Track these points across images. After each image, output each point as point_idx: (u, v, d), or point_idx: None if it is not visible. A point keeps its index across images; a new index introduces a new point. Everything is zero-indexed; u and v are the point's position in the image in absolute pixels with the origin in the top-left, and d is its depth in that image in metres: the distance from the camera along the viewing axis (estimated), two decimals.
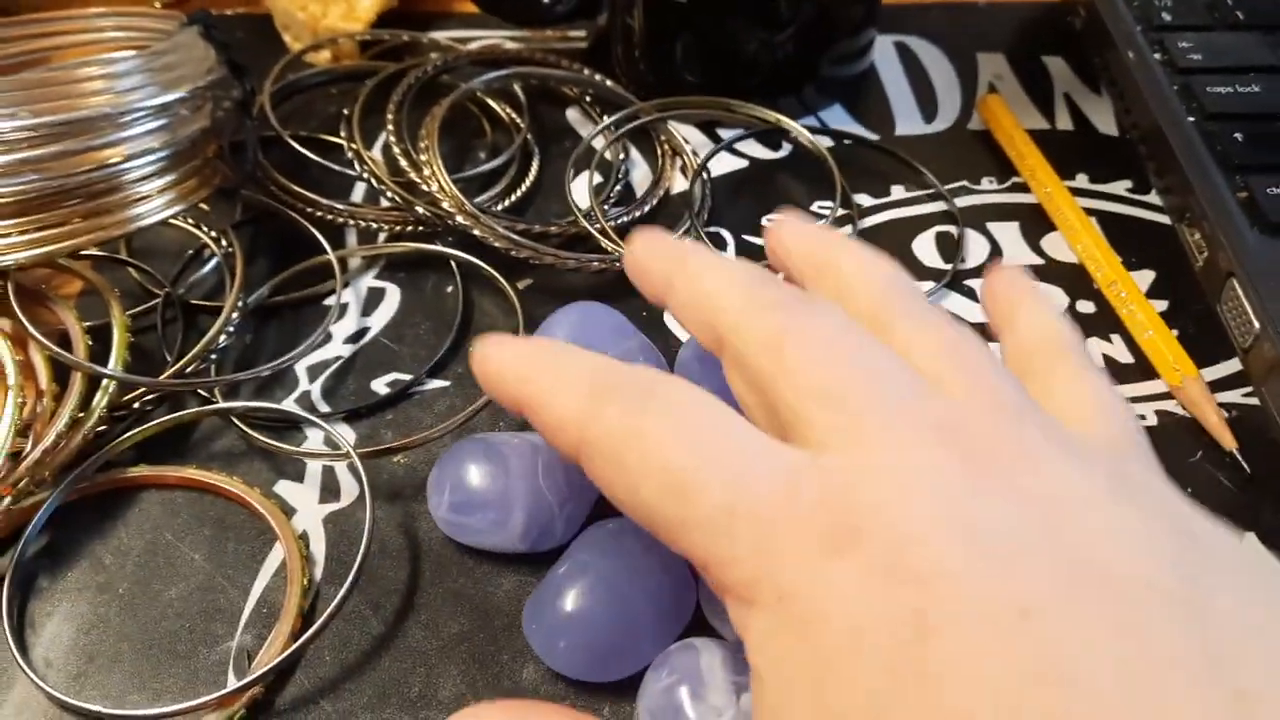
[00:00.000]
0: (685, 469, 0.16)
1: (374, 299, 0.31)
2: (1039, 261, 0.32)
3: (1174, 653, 0.13)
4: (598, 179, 0.34)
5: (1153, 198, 0.34)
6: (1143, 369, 0.29)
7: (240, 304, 0.30)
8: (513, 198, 0.34)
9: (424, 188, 0.32)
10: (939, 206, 0.34)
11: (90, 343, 0.28)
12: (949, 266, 0.32)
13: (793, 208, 0.34)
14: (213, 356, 0.29)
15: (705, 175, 0.35)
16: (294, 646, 0.22)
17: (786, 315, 0.19)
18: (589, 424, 0.18)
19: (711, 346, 0.20)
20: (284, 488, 0.27)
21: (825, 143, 0.36)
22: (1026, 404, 0.18)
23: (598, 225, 0.32)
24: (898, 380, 0.17)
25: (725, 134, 0.37)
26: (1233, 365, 0.29)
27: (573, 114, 0.38)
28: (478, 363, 0.21)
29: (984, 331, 0.22)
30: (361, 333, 0.31)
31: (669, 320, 0.31)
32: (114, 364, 0.27)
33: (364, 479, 0.25)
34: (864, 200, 0.34)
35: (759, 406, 0.19)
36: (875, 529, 0.15)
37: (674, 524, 0.17)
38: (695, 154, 0.36)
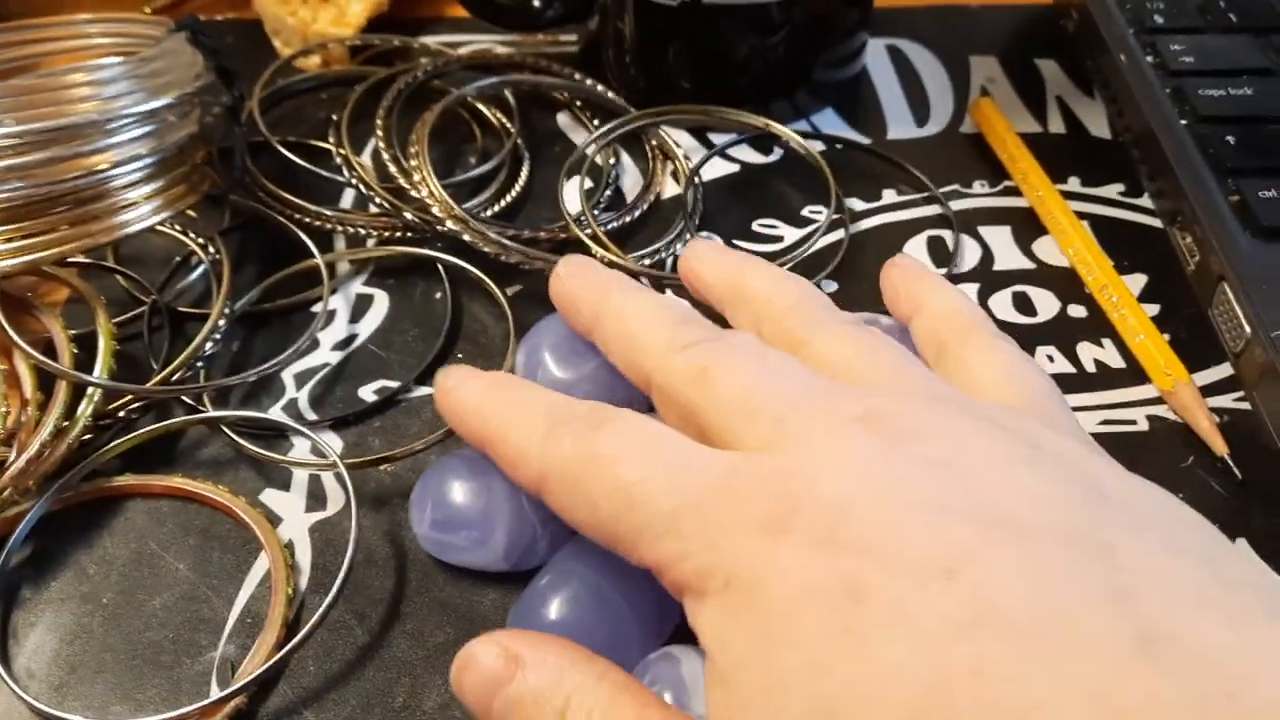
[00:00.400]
0: (634, 481, 0.18)
1: (362, 305, 0.31)
2: (1031, 266, 0.32)
3: (1081, 592, 0.14)
4: (588, 184, 0.34)
5: (1145, 201, 0.34)
6: (1134, 373, 0.29)
7: (227, 311, 0.29)
8: (503, 203, 0.34)
9: (413, 193, 0.32)
10: (931, 210, 0.34)
11: (75, 351, 0.27)
12: (941, 271, 0.32)
13: (784, 212, 0.34)
14: (199, 364, 0.29)
15: (697, 180, 0.35)
16: (278, 656, 0.22)
17: (705, 351, 0.20)
18: (548, 456, 0.20)
19: (639, 384, 0.22)
20: (270, 496, 0.26)
21: (817, 147, 0.36)
22: (937, 385, 0.20)
23: (589, 230, 0.32)
24: (810, 386, 0.19)
25: (717, 139, 0.37)
26: (1224, 370, 0.29)
27: (563, 119, 0.38)
28: (439, 397, 0.22)
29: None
30: (349, 339, 0.30)
31: None
32: (99, 372, 0.27)
33: (350, 488, 0.25)
34: (856, 205, 0.34)
35: (693, 433, 0.20)
36: (809, 507, 0.16)
37: (630, 534, 0.18)
38: (687, 159, 0.35)
